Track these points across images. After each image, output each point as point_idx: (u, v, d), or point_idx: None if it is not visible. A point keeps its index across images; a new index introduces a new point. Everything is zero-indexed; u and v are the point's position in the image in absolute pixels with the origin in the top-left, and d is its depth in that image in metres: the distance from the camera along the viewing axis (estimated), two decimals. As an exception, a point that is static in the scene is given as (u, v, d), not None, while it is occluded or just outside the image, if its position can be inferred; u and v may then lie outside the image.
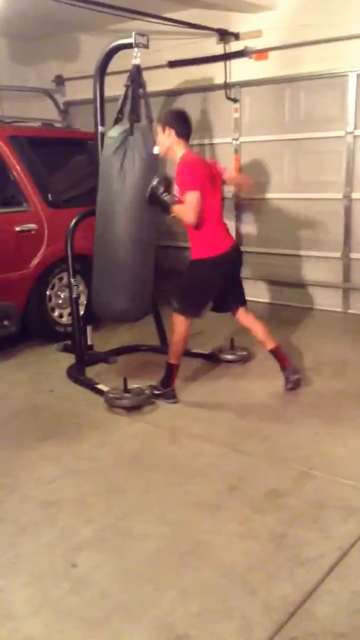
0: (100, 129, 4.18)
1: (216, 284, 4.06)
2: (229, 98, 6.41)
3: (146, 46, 3.86)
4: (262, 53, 6.12)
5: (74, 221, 4.37)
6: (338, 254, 6.13)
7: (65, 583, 2.37)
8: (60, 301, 5.37)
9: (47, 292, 5.26)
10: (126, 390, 3.95)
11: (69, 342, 4.65)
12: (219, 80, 6.41)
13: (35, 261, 5.09)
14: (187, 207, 3.78)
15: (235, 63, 6.33)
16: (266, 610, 2.19)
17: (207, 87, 6.58)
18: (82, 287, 4.82)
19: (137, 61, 3.83)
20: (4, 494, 3.02)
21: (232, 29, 6.22)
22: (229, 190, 5.09)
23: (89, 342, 4.63)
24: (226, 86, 6.37)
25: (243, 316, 4.31)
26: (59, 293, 5.36)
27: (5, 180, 5.12)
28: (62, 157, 5.69)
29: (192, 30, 6.12)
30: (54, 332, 5.29)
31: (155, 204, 3.86)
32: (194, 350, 4.78)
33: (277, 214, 6.45)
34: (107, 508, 2.88)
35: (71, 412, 3.99)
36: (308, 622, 2.14)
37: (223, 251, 4.04)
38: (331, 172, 6.01)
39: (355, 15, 5.50)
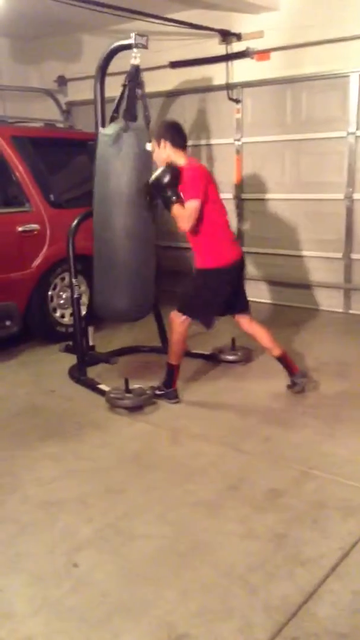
0: (101, 129, 4.19)
1: (222, 294, 4.01)
2: (230, 99, 6.42)
3: (145, 46, 3.89)
4: (264, 54, 6.13)
5: (75, 221, 4.38)
6: (339, 255, 6.13)
7: (66, 583, 2.38)
8: (62, 301, 5.37)
9: (49, 293, 5.27)
10: (127, 390, 3.96)
11: (70, 342, 4.66)
12: (221, 80, 6.41)
13: (37, 261, 5.10)
14: (185, 213, 3.73)
15: (237, 64, 6.34)
16: (266, 610, 2.19)
17: (209, 88, 6.59)
18: (83, 288, 4.83)
19: (136, 61, 3.85)
20: (4, 494, 3.02)
21: (234, 29, 6.22)
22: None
23: (91, 343, 4.64)
24: (228, 87, 6.38)
25: (247, 324, 4.22)
26: (61, 293, 5.36)
27: (8, 180, 5.13)
28: (64, 158, 5.70)
29: (194, 30, 6.14)
30: (55, 332, 5.29)
31: (158, 196, 3.82)
32: (195, 351, 4.78)
33: (279, 215, 6.45)
34: (107, 508, 2.88)
35: (72, 412, 3.99)
36: (309, 622, 2.14)
37: (230, 261, 3.96)
38: (333, 172, 6.01)
39: (357, 16, 5.51)
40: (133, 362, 4.79)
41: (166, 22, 5.83)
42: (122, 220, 3.94)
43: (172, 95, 6.85)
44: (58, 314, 5.38)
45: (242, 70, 6.32)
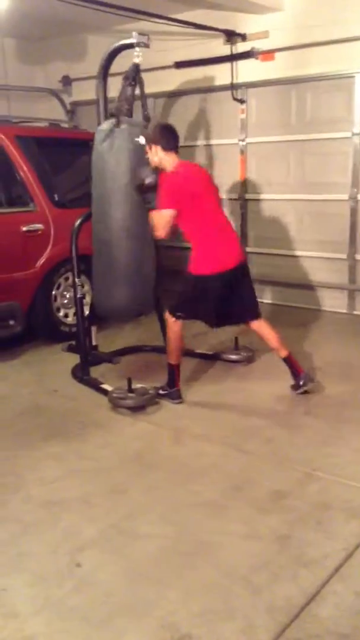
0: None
1: (211, 300, 3.92)
2: (235, 99, 6.41)
3: (147, 45, 3.90)
4: (268, 54, 6.13)
5: (78, 221, 4.38)
6: (344, 255, 6.12)
7: (68, 582, 2.37)
8: (65, 301, 5.37)
9: (53, 292, 5.27)
10: (130, 390, 3.95)
11: (73, 342, 4.66)
12: (225, 81, 6.41)
13: (41, 261, 5.11)
14: (158, 222, 3.73)
15: (241, 64, 6.34)
16: (269, 611, 2.18)
17: (213, 88, 6.59)
18: (86, 287, 4.82)
19: (137, 60, 3.86)
20: (8, 493, 3.02)
21: (239, 29, 6.22)
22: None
23: (94, 342, 4.64)
24: (232, 87, 6.37)
25: (256, 325, 4.17)
26: (65, 293, 5.36)
27: (12, 180, 5.13)
28: (68, 158, 5.70)
29: (198, 31, 6.14)
30: (59, 332, 5.29)
31: (140, 195, 3.85)
32: (197, 351, 4.77)
33: (283, 215, 6.44)
34: (110, 508, 2.88)
35: (75, 412, 3.99)
36: (311, 623, 2.13)
37: (222, 269, 3.84)
38: (337, 173, 6.00)
39: (362, 16, 5.50)
40: (136, 362, 4.78)
41: (171, 23, 5.83)
42: (118, 214, 3.95)
43: (176, 95, 6.85)
44: (62, 313, 5.38)
45: (246, 71, 6.32)
